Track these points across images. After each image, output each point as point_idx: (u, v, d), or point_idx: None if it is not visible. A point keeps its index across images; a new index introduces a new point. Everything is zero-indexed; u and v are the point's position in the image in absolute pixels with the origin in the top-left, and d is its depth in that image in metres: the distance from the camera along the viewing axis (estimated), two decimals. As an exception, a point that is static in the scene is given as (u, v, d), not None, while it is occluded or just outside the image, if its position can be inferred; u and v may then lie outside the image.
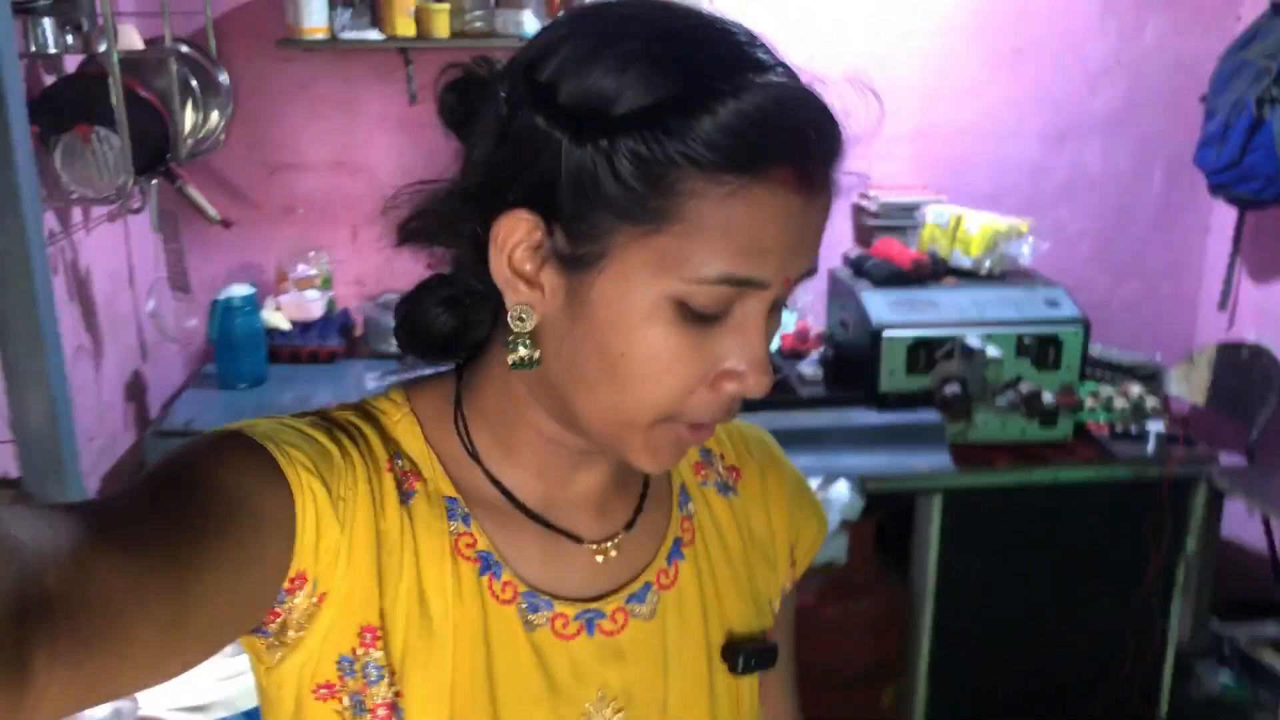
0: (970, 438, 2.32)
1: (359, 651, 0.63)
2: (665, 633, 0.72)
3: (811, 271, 0.62)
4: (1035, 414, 2.23)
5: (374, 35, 2.72)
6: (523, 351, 0.61)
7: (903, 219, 3.10)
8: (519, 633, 0.66)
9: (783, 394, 2.56)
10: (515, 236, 0.60)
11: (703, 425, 0.63)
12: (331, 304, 3.05)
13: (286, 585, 0.60)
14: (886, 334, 2.28)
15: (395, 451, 0.66)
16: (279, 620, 0.62)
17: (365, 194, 3.09)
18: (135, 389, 2.58)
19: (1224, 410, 3.26)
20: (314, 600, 0.61)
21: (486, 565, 0.66)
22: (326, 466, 0.62)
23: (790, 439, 2.26)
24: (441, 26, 2.74)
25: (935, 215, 2.57)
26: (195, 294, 2.62)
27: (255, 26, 2.86)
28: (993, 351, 2.20)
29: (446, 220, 0.64)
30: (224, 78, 2.75)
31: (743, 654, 0.73)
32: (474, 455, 0.68)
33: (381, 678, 0.63)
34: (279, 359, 2.78)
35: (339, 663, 0.63)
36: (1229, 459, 3.06)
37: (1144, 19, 3.23)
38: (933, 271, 2.46)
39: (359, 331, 3.02)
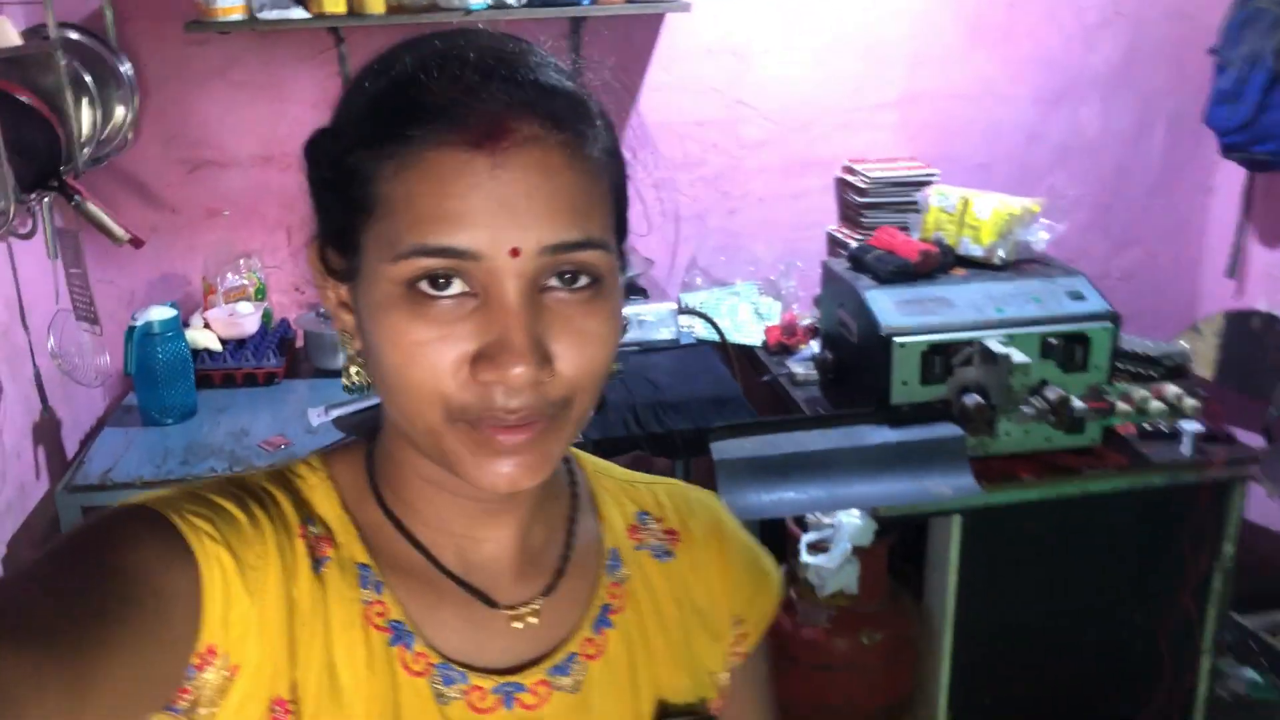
0: (990, 449, 2.08)
1: None
2: (591, 706, 0.69)
3: (580, 245, 0.58)
4: (1064, 422, 1.99)
5: (298, 13, 2.39)
6: (353, 378, 0.64)
7: (895, 196, 2.85)
8: (431, 707, 0.64)
9: (780, 413, 2.30)
10: (317, 268, 0.63)
11: (508, 426, 0.59)
12: (268, 316, 2.74)
13: (196, 661, 0.58)
14: (898, 340, 2.02)
15: (308, 517, 0.65)
16: (189, 698, 0.59)
17: (299, 190, 2.75)
18: (45, 432, 2.26)
19: (1233, 383, 3.07)
20: (226, 674, 0.59)
21: (398, 635, 0.64)
22: (234, 535, 0.60)
23: (792, 466, 2.06)
24: (375, 1, 2.41)
25: (940, 198, 2.30)
26: (108, 321, 2.28)
27: (160, 7, 2.50)
28: (1019, 357, 1.96)
29: None
30: (126, 68, 2.41)
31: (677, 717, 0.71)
32: (391, 515, 0.67)
33: None
34: (210, 384, 2.47)
35: None
36: (1243, 437, 2.88)
37: (1146, -34, 2.98)
38: (941, 263, 2.20)
39: (300, 344, 2.71)
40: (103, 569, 0.55)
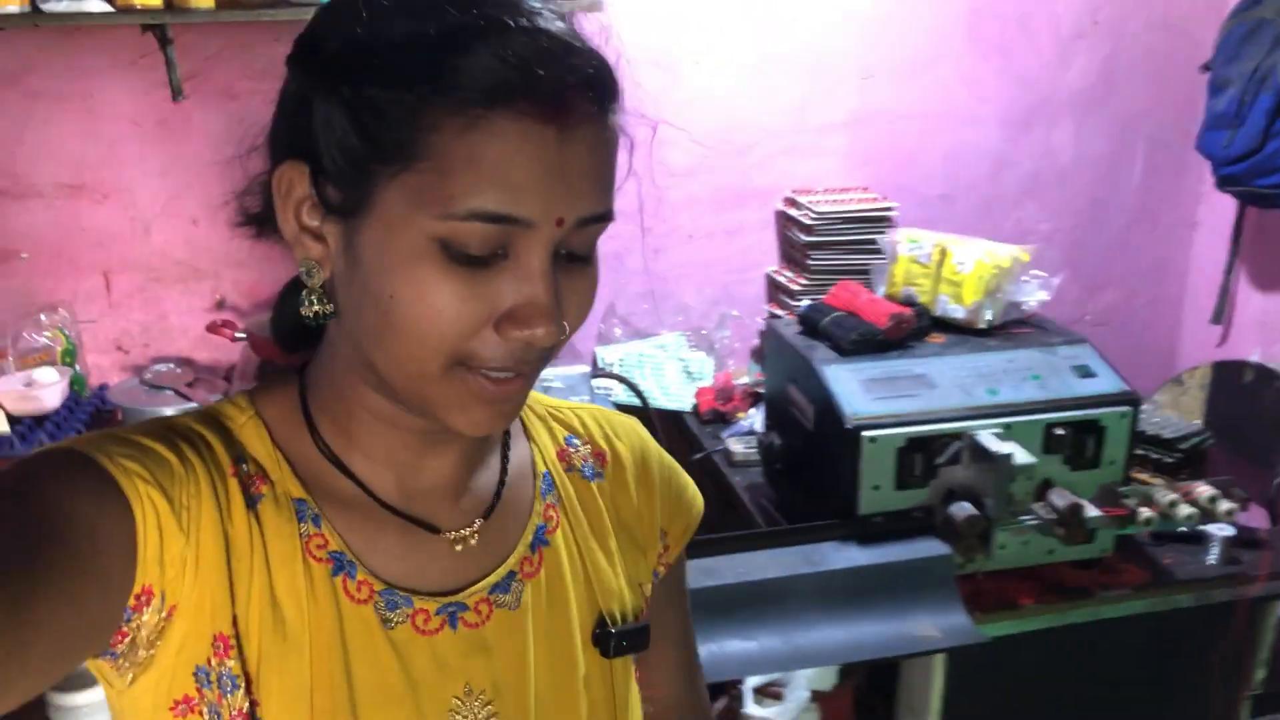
0: (981, 566, 1.65)
1: (213, 662, 0.61)
2: (532, 621, 0.70)
3: (603, 218, 0.62)
4: (1075, 535, 1.57)
5: (97, 6, 1.86)
6: (314, 306, 0.62)
7: (846, 233, 2.41)
8: (377, 632, 0.65)
9: (715, 504, 1.84)
10: (296, 191, 0.60)
11: (504, 378, 0.61)
12: (79, 383, 2.19)
13: (132, 602, 0.58)
14: (868, 435, 1.58)
15: (239, 455, 0.64)
16: (127, 639, 0.59)
17: (121, 225, 2.22)
18: None
19: (1223, 443, 2.71)
20: (163, 615, 0.59)
21: (340, 565, 0.65)
22: (165, 475, 0.60)
23: (737, 602, 1.30)
24: (202, -8, 1.90)
25: (910, 246, 1.87)
26: None
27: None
28: (1021, 457, 1.53)
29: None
30: None
31: (614, 637, 0.73)
32: (325, 450, 0.66)
33: (237, 687, 0.61)
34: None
35: (195, 674, 0.61)
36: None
37: (1129, -31, 2.60)
38: (916, 328, 1.77)
39: (119, 418, 2.17)
40: (34, 513, 0.54)
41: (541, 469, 0.76)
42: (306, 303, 0.62)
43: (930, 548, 1.60)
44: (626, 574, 0.77)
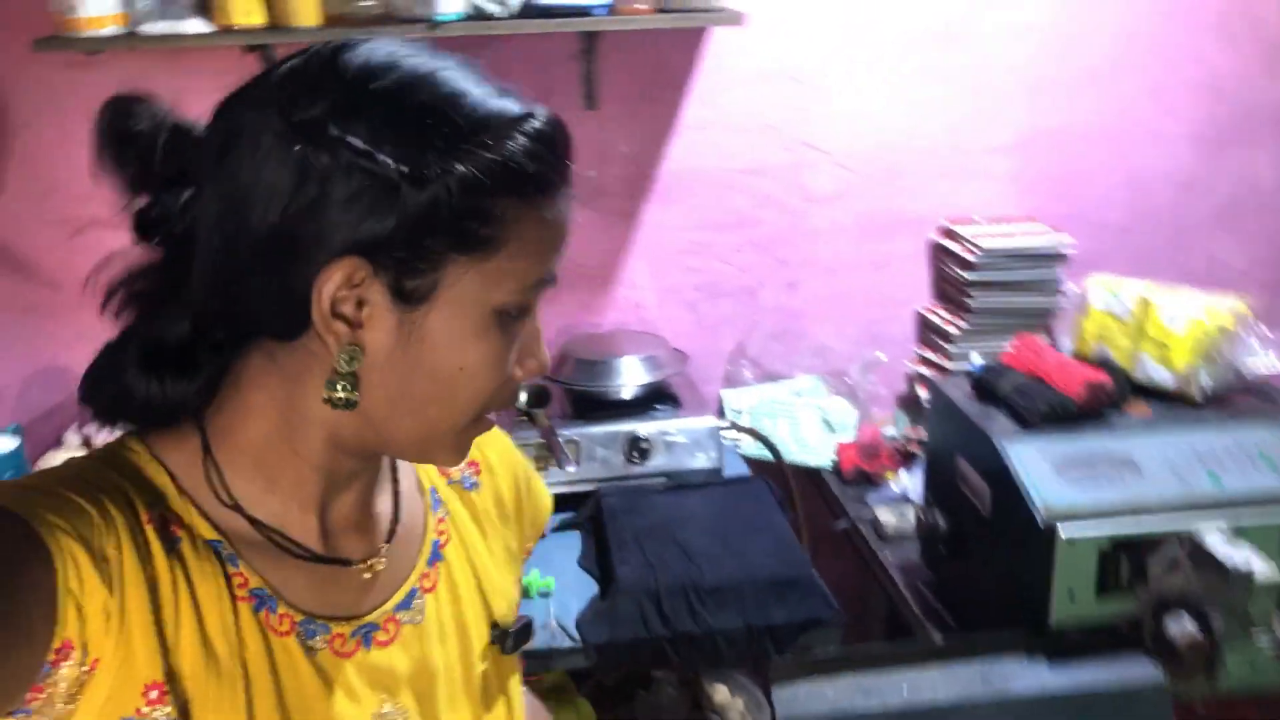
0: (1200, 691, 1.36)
1: (145, 710, 0.61)
2: (434, 633, 0.75)
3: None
4: (1324, 662, 1.27)
5: (197, 26, 1.72)
6: (342, 393, 0.63)
7: (1014, 271, 2.13)
8: (301, 659, 0.67)
9: (862, 586, 1.59)
10: (335, 281, 0.60)
11: (500, 409, 0.69)
12: None
13: (51, 657, 0.56)
14: (1066, 534, 1.30)
15: (150, 501, 0.64)
16: (42, 695, 0.57)
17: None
18: None
19: None
20: (85, 669, 0.58)
21: (261, 601, 0.67)
22: (86, 526, 0.59)
23: None
24: (307, 11, 1.74)
25: (1106, 297, 1.58)
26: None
27: (10, 17, 1.85)
28: (1259, 567, 1.24)
29: (213, 276, 0.63)
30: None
31: (510, 635, 0.80)
32: (231, 503, 0.67)
33: None
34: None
35: None
36: None
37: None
38: (1115, 398, 1.48)
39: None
40: None
41: (427, 485, 0.81)
42: (335, 388, 0.63)
43: (1138, 671, 1.31)
44: (508, 577, 0.84)
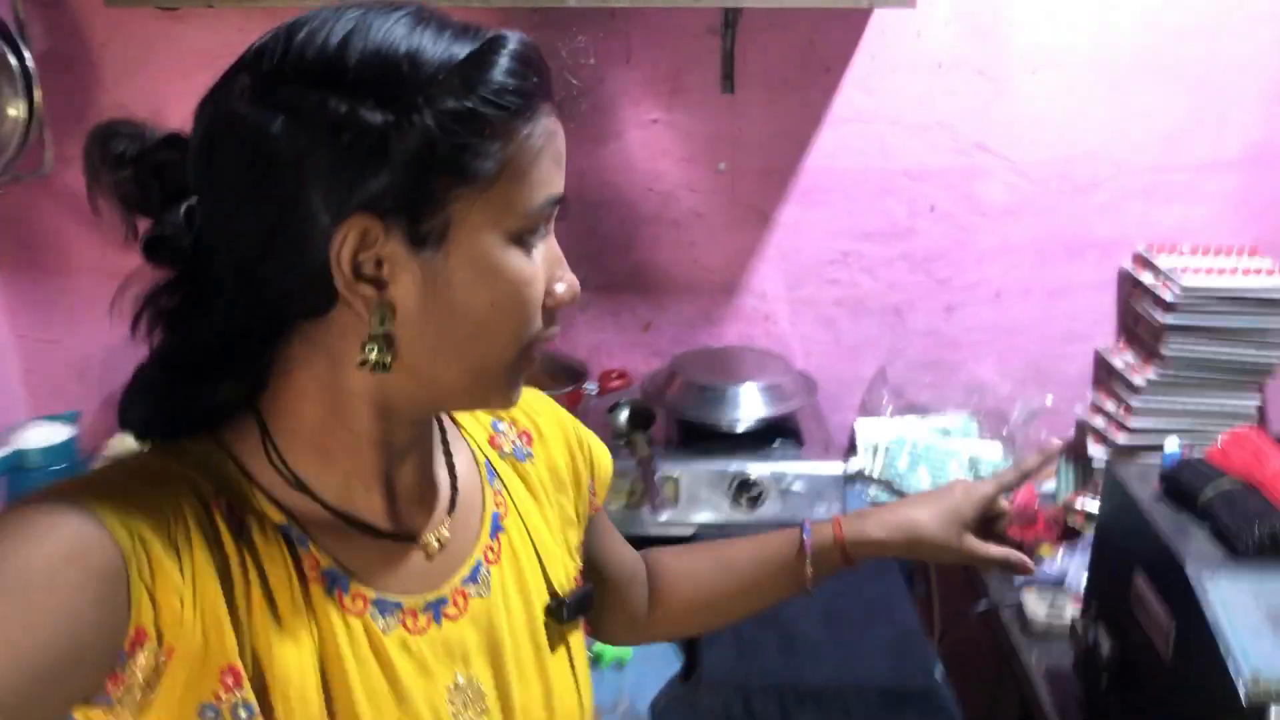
0: None
1: (223, 696, 0.62)
2: (501, 604, 0.75)
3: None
4: None
5: (283, -16, 1.52)
6: (375, 355, 0.63)
7: (1226, 317, 1.75)
8: (377, 637, 0.68)
9: (999, 685, 1.31)
10: (349, 244, 0.60)
11: (545, 342, 0.68)
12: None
13: (126, 646, 0.58)
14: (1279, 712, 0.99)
15: (217, 489, 0.65)
16: (122, 684, 0.59)
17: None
18: None
19: None
20: (161, 656, 0.59)
21: (333, 581, 0.67)
22: (154, 516, 0.60)
23: None
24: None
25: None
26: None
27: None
28: None
29: (232, 270, 0.63)
30: (26, 55, 1.61)
31: (566, 606, 0.79)
32: (295, 481, 0.67)
33: (253, 714, 0.62)
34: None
35: (200, 712, 0.61)
36: None
37: None
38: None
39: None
40: (24, 564, 0.54)
41: (481, 459, 0.80)
42: (370, 351, 0.63)
43: None
44: (568, 542, 0.84)
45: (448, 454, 0.77)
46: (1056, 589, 1.62)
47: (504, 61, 0.61)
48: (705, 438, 1.74)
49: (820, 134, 1.87)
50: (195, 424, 0.68)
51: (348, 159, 0.58)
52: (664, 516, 1.65)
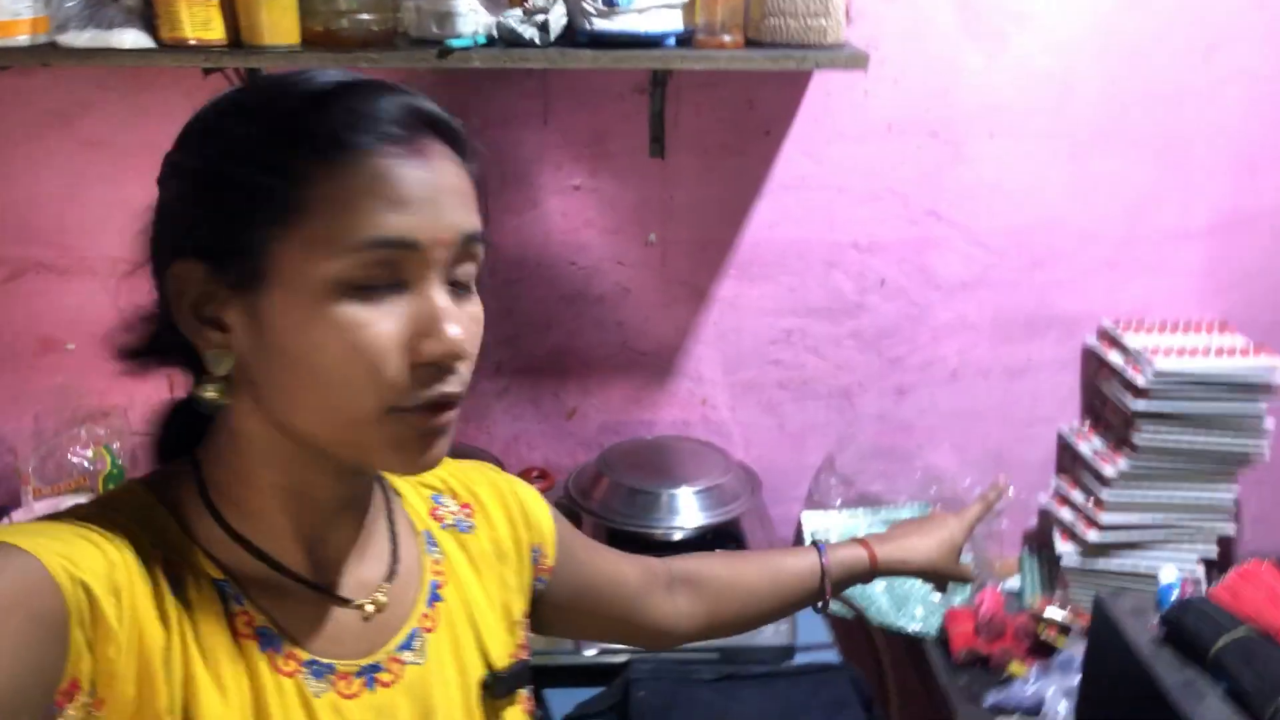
0: None
1: None
2: (435, 672, 0.74)
3: (479, 237, 0.66)
4: None
5: (134, 40, 1.30)
6: (210, 394, 0.64)
7: (1201, 402, 1.61)
8: (309, 700, 0.67)
9: None
10: (191, 286, 0.63)
11: (437, 406, 0.64)
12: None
13: (58, 697, 0.56)
14: None
15: (154, 541, 0.64)
16: None
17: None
18: None
19: None
20: (90, 709, 0.58)
21: (267, 640, 0.66)
22: (96, 565, 0.59)
23: None
24: (284, 26, 1.32)
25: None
26: None
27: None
28: None
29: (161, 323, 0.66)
30: None
31: (501, 680, 0.77)
32: (233, 533, 0.67)
33: None
34: None
35: None
36: None
37: None
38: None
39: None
40: None
41: (420, 528, 0.79)
42: (208, 392, 0.64)
43: None
44: (509, 614, 0.82)
45: (391, 521, 0.77)
46: (1032, 718, 1.45)
47: (308, 96, 0.62)
48: (637, 546, 1.54)
49: (760, 202, 1.69)
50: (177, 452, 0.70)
51: (176, 206, 0.63)
52: (590, 650, 1.44)
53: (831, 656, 1.58)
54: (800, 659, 1.55)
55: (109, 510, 0.64)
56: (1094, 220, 1.72)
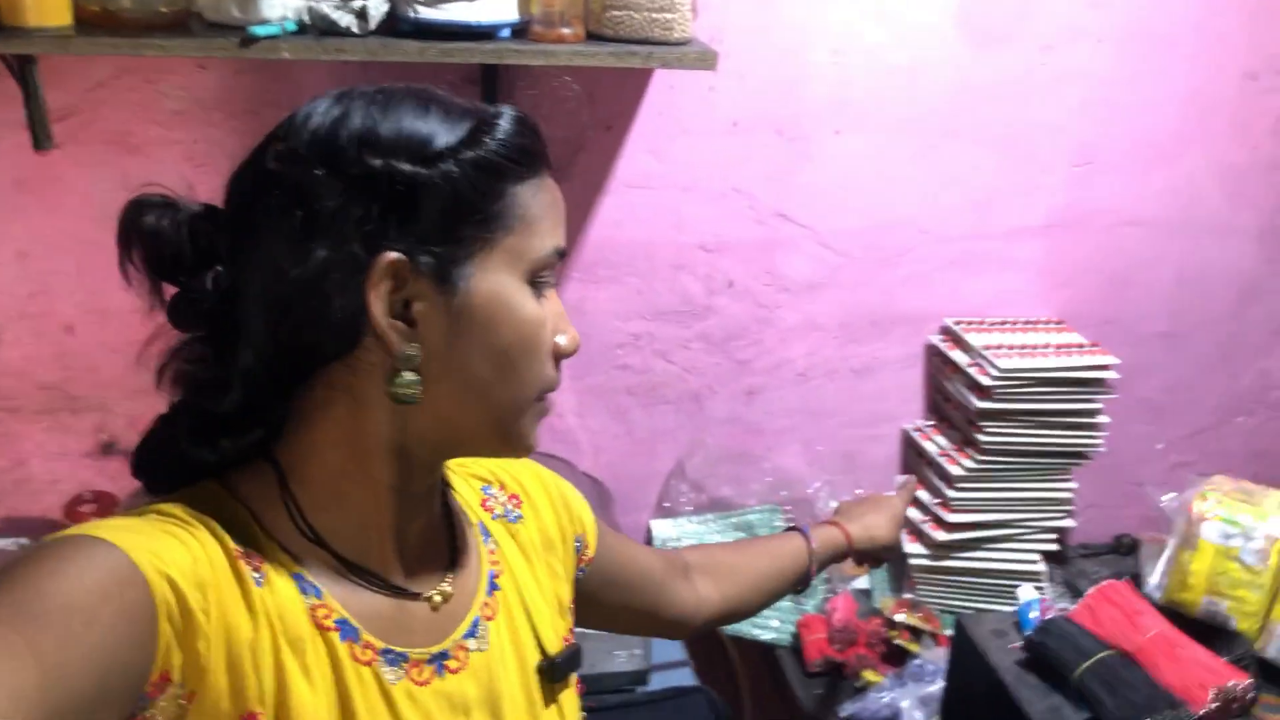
0: None
1: None
2: (497, 658, 0.76)
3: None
4: None
5: None
6: (408, 383, 0.65)
7: (1036, 401, 1.62)
8: (386, 688, 0.69)
9: None
10: (386, 283, 0.64)
11: (552, 390, 0.71)
12: None
13: (149, 689, 0.57)
14: None
15: (235, 537, 0.66)
16: None
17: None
18: None
19: None
20: (183, 701, 0.60)
21: (345, 631, 0.68)
22: (182, 560, 0.60)
23: None
24: (52, 5, 1.15)
25: (1224, 529, 1.08)
26: None
27: None
28: None
29: (262, 316, 0.65)
30: None
31: (556, 664, 0.79)
32: (309, 533, 0.68)
33: None
34: None
35: None
36: None
37: None
38: (1250, 702, 0.98)
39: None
40: (58, 597, 0.54)
41: (474, 520, 0.81)
42: (405, 385, 0.65)
43: None
44: (559, 600, 0.84)
45: (449, 513, 0.79)
46: (889, 729, 1.43)
47: (508, 124, 0.66)
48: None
49: (603, 201, 1.60)
50: (206, 473, 0.69)
51: (383, 206, 0.63)
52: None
53: (687, 675, 1.53)
54: (656, 680, 1.49)
55: (191, 507, 0.66)
56: (941, 217, 1.71)
